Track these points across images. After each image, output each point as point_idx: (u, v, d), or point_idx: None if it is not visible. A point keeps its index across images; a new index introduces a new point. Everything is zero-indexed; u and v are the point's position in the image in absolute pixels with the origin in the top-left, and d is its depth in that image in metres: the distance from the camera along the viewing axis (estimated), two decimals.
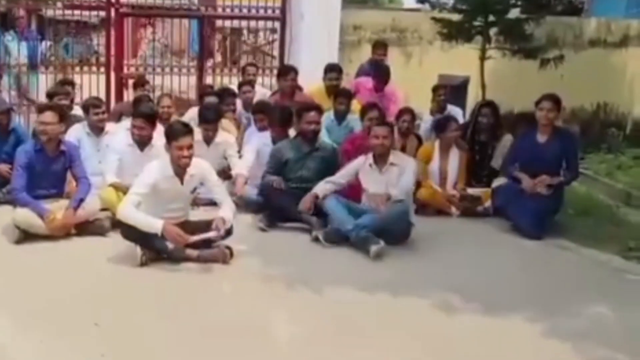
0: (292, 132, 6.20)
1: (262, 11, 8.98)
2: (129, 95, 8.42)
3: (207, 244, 4.71)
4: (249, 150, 6.28)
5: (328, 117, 6.77)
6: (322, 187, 5.39)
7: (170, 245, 4.64)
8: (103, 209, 5.42)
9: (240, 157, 6.33)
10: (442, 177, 6.36)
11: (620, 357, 3.57)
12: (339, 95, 7.05)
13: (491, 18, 8.97)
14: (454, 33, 9.25)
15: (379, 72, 7.68)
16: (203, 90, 7.79)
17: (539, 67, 9.11)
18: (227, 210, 4.80)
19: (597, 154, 8.48)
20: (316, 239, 5.22)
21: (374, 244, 4.92)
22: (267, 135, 6.30)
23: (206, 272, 4.59)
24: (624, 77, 10.93)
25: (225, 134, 6.45)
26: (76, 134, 6.18)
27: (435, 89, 7.78)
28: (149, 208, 4.69)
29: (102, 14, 9.06)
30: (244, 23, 10.34)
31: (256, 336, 3.64)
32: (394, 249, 5.07)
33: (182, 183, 4.82)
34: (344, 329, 3.79)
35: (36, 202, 5.12)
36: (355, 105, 7.07)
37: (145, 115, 5.68)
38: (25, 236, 5.03)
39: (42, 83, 8.56)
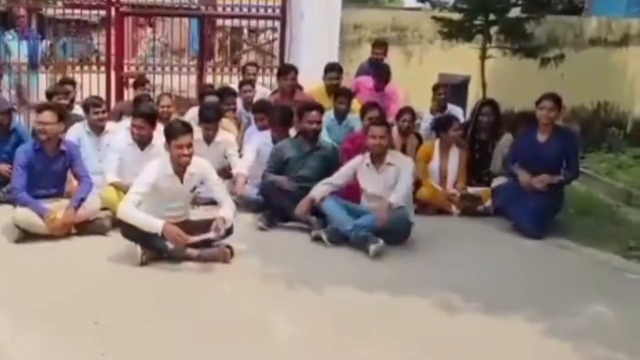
0: (292, 132, 6.20)
1: (262, 10, 8.98)
2: (129, 94, 8.42)
3: (207, 243, 4.71)
4: (249, 150, 6.28)
5: (328, 116, 6.77)
6: (319, 190, 5.39)
7: (170, 245, 4.64)
8: (103, 208, 5.42)
9: (240, 156, 6.33)
10: (442, 176, 6.36)
11: (620, 356, 3.57)
12: (339, 94, 7.05)
13: (492, 17, 8.97)
14: (454, 32, 9.25)
15: (378, 71, 7.68)
16: (203, 90, 7.78)
17: (539, 66, 9.11)
18: (227, 210, 4.80)
19: (598, 153, 8.48)
20: (316, 239, 5.22)
21: (373, 243, 4.92)
22: (267, 135, 6.29)
23: (206, 272, 4.59)
24: (624, 76, 10.92)
25: (226, 133, 6.45)
26: (76, 133, 6.18)
27: (435, 88, 7.78)
28: (149, 207, 4.69)
29: (103, 13, 9.05)
30: (244, 22, 10.34)
31: (256, 336, 3.64)
32: (394, 249, 5.07)
33: (182, 182, 4.82)
34: (344, 328, 3.78)
35: (36, 202, 5.12)
36: (356, 104, 7.07)
37: (145, 114, 5.68)
38: (26, 236, 5.03)
39: (42, 82, 8.55)
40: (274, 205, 5.69)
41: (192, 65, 9.68)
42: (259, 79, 8.47)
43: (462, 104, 8.73)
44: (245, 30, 12.49)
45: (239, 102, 7.37)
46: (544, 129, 5.78)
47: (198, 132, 5.96)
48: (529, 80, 8.92)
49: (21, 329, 3.61)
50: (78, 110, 6.81)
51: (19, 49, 8.44)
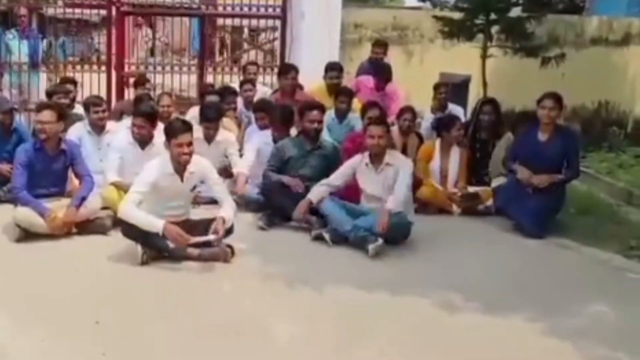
0: (293, 131, 6.19)
1: (262, 10, 8.98)
2: (129, 93, 8.42)
3: (207, 243, 4.71)
4: (249, 149, 6.28)
5: (329, 115, 6.76)
6: (316, 192, 5.38)
7: (171, 244, 4.64)
8: (104, 208, 5.41)
9: (241, 155, 6.33)
10: (443, 175, 6.36)
11: (621, 355, 3.57)
12: (340, 93, 7.05)
13: (492, 16, 8.97)
14: (455, 31, 9.25)
15: (379, 70, 7.68)
16: (204, 89, 7.78)
17: (540, 66, 9.10)
18: (227, 209, 4.80)
19: (599, 152, 8.46)
20: (317, 238, 5.22)
21: (373, 243, 4.92)
22: (268, 134, 6.29)
23: (207, 271, 4.58)
24: (625, 75, 10.92)
25: (226, 133, 6.45)
26: (77, 132, 6.18)
27: (436, 87, 7.77)
28: (149, 206, 4.69)
29: (103, 12, 9.05)
30: (244, 22, 10.34)
31: (256, 335, 3.64)
32: (394, 248, 5.07)
33: (182, 181, 4.81)
34: (344, 328, 3.78)
35: (37, 201, 5.12)
36: (356, 103, 7.07)
37: (145, 114, 5.68)
38: (26, 235, 5.02)
39: (43, 82, 8.56)
40: (275, 205, 5.69)
41: (193, 64, 9.69)
42: (260, 78, 8.47)
43: (463, 103, 8.73)
44: (246, 30, 12.48)
45: (240, 101, 7.37)
46: (545, 128, 5.77)
47: (199, 131, 5.97)
48: (530, 80, 8.93)
49: (21, 329, 3.61)
50: (79, 109, 6.81)
51: (19, 49, 8.44)
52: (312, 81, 7.52)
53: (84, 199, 5.21)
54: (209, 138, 6.23)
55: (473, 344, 3.66)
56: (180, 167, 4.77)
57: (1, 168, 5.98)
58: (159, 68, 9.26)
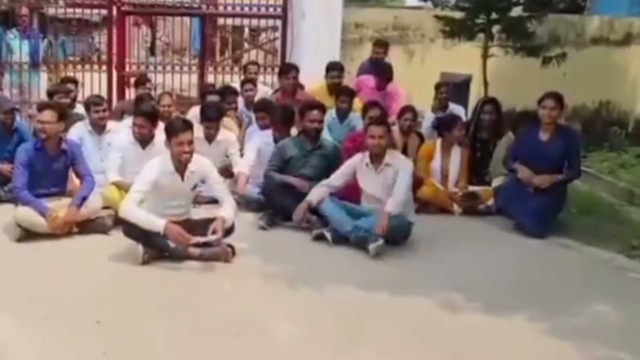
0: (294, 131, 6.19)
1: (263, 9, 8.98)
2: (130, 93, 8.42)
3: (208, 243, 4.70)
4: (250, 149, 6.28)
5: (330, 115, 6.76)
6: (315, 193, 5.37)
7: (172, 244, 4.63)
8: (105, 207, 5.41)
9: (241, 155, 6.33)
10: (444, 175, 6.35)
11: (623, 355, 3.56)
12: (342, 93, 7.05)
13: (493, 16, 8.96)
14: (456, 31, 9.24)
15: (380, 70, 7.67)
16: (205, 89, 7.79)
17: (541, 65, 9.08)
18: (228, 209, 4.80)
19: (600, 152, 8.46)
20: (318, 238, 5.21)
21: (373, 243, 4.91)
22: (268, 134, 6.29)
23: (208, 271, 4.58)
24: (626, 75, 10.91)
25: (227, 132, 6.45)
26: (78, 132, 6.18)
27: (437, 87, 7.77)
28: (150, 206, 4.69)
29: (104, 12, 9.05)
30: (245, 21, 10.34)
31: (257, 335, 3.63)
32: (395, 248, 5.06)
33: (182, 179, 4.81)
34: (345, 328, 3.78)
35: (38, 201, 5.11)
36: (357, 103, 7.06)
37: (146, 113, 5.69)
38: (27, 235, 5.02)
39: (44, 81, 8.56)
40: (276, 205, 5.69)
41: (194, 64, 9.68)
42: (260, 77, 8.47)
43: (464, 103, 8.73)
44: (247, 29, 12.48)
45: (241, 101, 7.38)
46: (546, 127, 5.76)
47: (199, 131, 5.97)
48: (531, 79, 8.91)
49: (22, 328, 3.61)
50: (80, 109, 6.81)
51: (20, 48, 8.44)
52: (313, 81, 7.52)
53: (84, 198, 5.21)
54: (210, 138, 6.23)
55: (474, 343, 3.65)
56: (180, 166, 4.77)
57: (2, 168, 5.98)
58: (159, 68, 9.25)
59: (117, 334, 3.58)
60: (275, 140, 6.13)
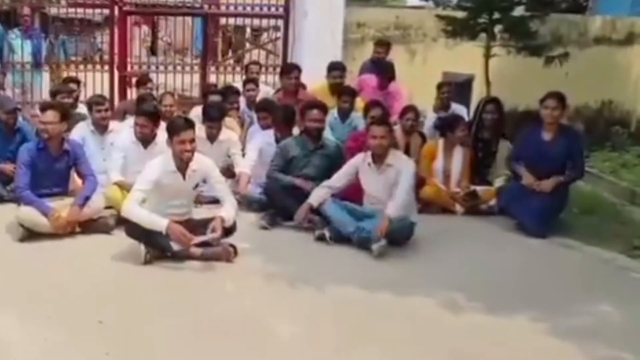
0: (295, 131, 6.19)
1: (265, 9, 8.99)
2: (132, 93, 8.43)
3: (209, 242, 4.71)
4: (251, 149, 6.28)
5: (332, 115, 6.75)
6: (317, 195, 5.37)
7: (175, 246, 4.63)
8: (107, 207, 5.41)
9: (243, 155, 6.33)
10: (446, 175, 6.34)
11: (625, 355, 3.56)
12: (343, 93, 7.04)
13: (496, 15, 8.94)
14: (458, 30, 9.23)
15: (382, 69, 7.67)
16: (207, 89, 7.79)
17: (543, 65, 9.07)
18: (228, 208, 4.80)
19: (602, 152, 8.45)
20: (320, 239, 5.21)
21: (376, 243, 4.91)
22: (270, 134, 6.29)
23: (210, 271, 4.58)
24: (628, 75, 10.89)
25: (229, 132, 6.45)
26: (80, 132, 6.19)
27: (439, 86, 7.76)
28: (152, 206, 4.69)
29: (106, 12, 9.06)
30: (247, 21, 10.35)
31: (259, 335, 3.64)
32: (397, 248, 5.05)
33: (184, 178, 4.81)
34: (346, 328, 3.78)
35: (40, 200, 5.12)
36: (359, 103, 7.06)
37: (148, 113, 5.69)
38: (29, 234, 5.02)
39: (45, 81, 8.57)
40: (278, 205, 5.69)
41: (196, 64, 9.69)
42: (262, 77, 8.47)
43: (466, 102, 8.72)
44: (248, 29, 12.49)
45: (242, 100, 7.38)
46: (548, 127, 5.75)
47: (201, 131, 5.98)
48: (533, 79, 8.89)
49: (24, 328, 3.61)
50: (82, 109, 6.82)
51: (22, 48, 8.45)
52: (314, 81, 7.52)
53: (87, 198, 5.21)
54: (212, 137, 6.24)
55: (475, 343, 3.65)
56: (182, 165, 4.76)
57: (4, 167, 5.98)
58: (161, 68, 9.26)
59: (120, 334, 3.58)
60: (277, 140, 6.13)
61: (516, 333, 3.80)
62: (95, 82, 8.66)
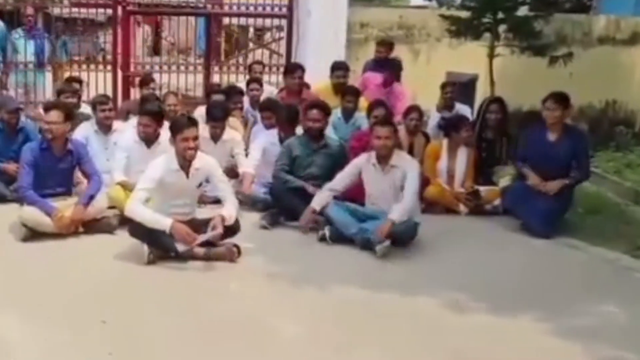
0: (299, 130, 6.18)
1: (268, 9, 8.97)
2: (135, 93, 8.43)
3: (212, 242, 4.70)
4: (255, 148, 6.27)
5: (335, 114, 6.75)
6: (319, 198, 5.35)
7: (180, 247, 4.62)
8: (111, 207, 5.41)
9: (246, 155, 6.32)
10: (450, 175, 6.32)
11: (629, 356, 3.55)
12: (347, 93, 7.03)
13: (500, 15, 8.94)
14: (462, 30, 9.22)
15: (387, 67, 7.67)
16: (210, 88, 7.79)
17: (547, 65, 9.06)
18: (229, 207, 4.79)
19: (606, 152, 8.42)
20: (323, 239, 5.19)
21: (380, 244, 4.90)
22: (274, 134, 6.28)
23: (212, 271, 4.58)
24: (633, 74, 10.87)
25: (233, 132, 6.45)
26: (84, 132, 6.18)
27: (443, 86, 7.75)
28: (155, 205, 4.69)
29: (109, 11, 9.06)
30: (250, 21, 10.34)
31: (261, 335, 3.63)
32: (401, 248, 5.04)
33: (187, 177, 4.80)
34: (349, 328, 3.77)
35: (43, 200, 5.12)
36: (363, 102, 7.05)
37: (151, 113, 5.69)
38: (32, 234, 5.02)
39: (49, 81, 8.57)
40: (283, 205, 5.68)
41: (199, 64, 9.69)
42: (266, 77, 8.47)
43: (470, 102, 8.69)
44: (252, 29, 12.49)
45: (246, 100, 7.38)
46: (553, 128, 5.73)
47: (205, 131, 5.97)
48: (537, 79, 8.88)
49: (27, 328, 3.61)
50: (86, 108, 6.82)
51: (25, 48, 8.45)
52: (318, 80, 7.51)
53: (92, 197, 5.21)
54: (216, 137, 6.23)
55: (479, 344, 3.64)
56: (185, 163, 4.75)
57: (7, 167, 5.99)
58: (164, 67, 9.26)
59: (123, 334, 3.58)
60: (281, 140, 6.12)
61: (519, 333, 3.79)
62: (99, 82, 8.65)
